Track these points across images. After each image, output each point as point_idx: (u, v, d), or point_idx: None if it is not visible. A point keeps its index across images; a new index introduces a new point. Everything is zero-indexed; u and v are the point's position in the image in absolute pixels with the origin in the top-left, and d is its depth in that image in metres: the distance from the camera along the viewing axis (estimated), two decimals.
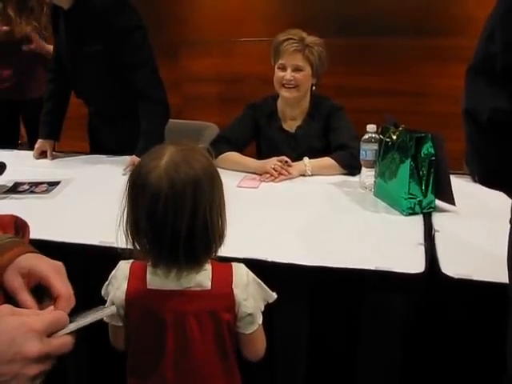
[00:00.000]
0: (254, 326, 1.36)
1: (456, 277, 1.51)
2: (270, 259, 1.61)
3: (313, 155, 2.44)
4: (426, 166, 1.89)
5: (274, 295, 1.39)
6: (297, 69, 2.47)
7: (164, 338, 1.31)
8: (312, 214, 2.00)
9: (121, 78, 2.68)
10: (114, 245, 1.67)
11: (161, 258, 1.28)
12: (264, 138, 2.64)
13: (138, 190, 1.25)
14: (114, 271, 1.38)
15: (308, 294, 1.64)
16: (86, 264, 1.70)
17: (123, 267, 1.37)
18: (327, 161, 2.42)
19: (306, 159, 2.42)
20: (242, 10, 4.30)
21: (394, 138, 1.97)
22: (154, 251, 1.28)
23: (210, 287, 1.30)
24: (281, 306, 1.64)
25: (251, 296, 1.34)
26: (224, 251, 1.60)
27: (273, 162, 2.40)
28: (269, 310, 1.56)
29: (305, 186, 2.32)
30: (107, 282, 1.39)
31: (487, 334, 1.49)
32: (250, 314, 1.34)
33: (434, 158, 1.89)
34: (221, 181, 1.31)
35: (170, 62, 4.54)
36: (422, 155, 1.88)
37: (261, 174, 2.41)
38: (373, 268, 1.56)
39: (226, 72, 4.45)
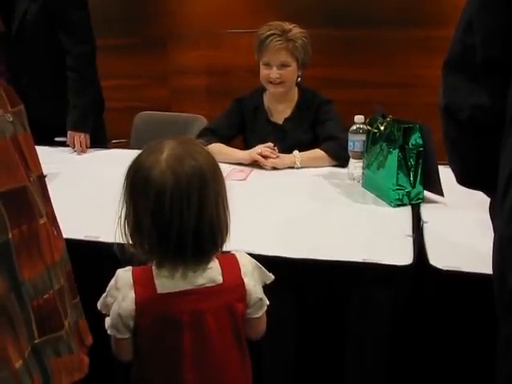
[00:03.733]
0: (264, 309, 1.36)
1: (444, 268, 1.51)
2: (256, 252, 1.60)
3: (301, 147, 2.43)
4: (414, 157, 1.88)
5: (272, 276, 1.38)
6: (282, 65, 2.45)
7: (181, 341, 1.26)
8: (300, 205, 1.99)
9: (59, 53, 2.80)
10: (100, 239, 1.68)
11: (166, 256, 1.23)
12: (251, 131, 2.63)
13: (140, 189, 1.18)
14: (112, 282, 1.28)
15: (295, 286, 1.63)
16: (71, 259, 1.68)
17: (124, 276, 1.27)
18: (317, 152, 2.42)
19: (295, 152, 2.41)
20: (230, 1, 4.28)
21: (382, 128, 1.96)
22: (159, 251, 1.22)
23: (221, 281, 1.27)
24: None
25: (257, 281, 1.33)
26: None
27: (259, 148, 2.41)
28: None
29: (293, 178, 2.30)
30: (105, 294, 1.29)
31: (476, 325, 1.48)
32: (260, 299, 1.33)
33: (422, 149, 1.88)
34: (221, 172, 1.26)
35: (158, 55, 4.51)
36: (410, 146, 1.87)
37: (246, 165, 2.41)
38: (360, 260, 1.55)
39: (215, 64, 4.42)
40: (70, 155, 2.76)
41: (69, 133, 2.81)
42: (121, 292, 1.25)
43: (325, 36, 3.88)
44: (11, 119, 0.91)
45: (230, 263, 1.31)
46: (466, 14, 1.03)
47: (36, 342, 0.90)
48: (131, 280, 1.25)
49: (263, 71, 2.49)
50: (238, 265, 1.31)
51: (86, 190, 2.18)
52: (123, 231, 1.23)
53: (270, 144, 2.41)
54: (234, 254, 1.34)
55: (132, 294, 1.24)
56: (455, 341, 1.54)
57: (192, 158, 1.19)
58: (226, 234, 1.27)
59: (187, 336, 1.26)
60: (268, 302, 1.36)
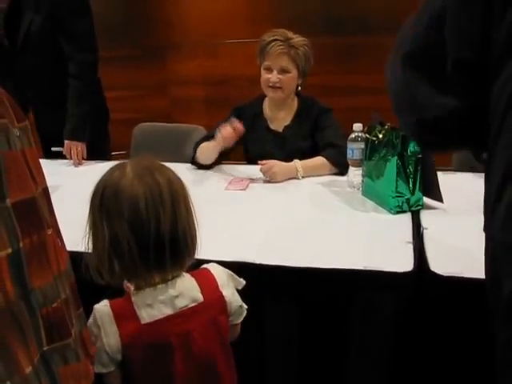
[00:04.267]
0: (244, 314, 1.38)
1: (445, 274, 1.51)
2: (257, 261, 1.60)
3: (300, 155, 2.43)
4: (413, 164, 1.89)
5: (243, 281, 1.39)
6: (283, 70, 2.46)
7: (172, 363, 1.25)
8: (300, 214, 1.99)
9: (65, 64, 2.79)
10: None
11: (146, 266, 1.21)
12: (251, 139, 2.63)
13: (111, 204, 1.18)
14: (90, 319, 1.23)
15: (297, 295, 1.63)
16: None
17: (102, 311, 1.23)
18: (319, 160, 2.41)
19: (296, 161, 2.40)
20: (228, 11, 4.29)
21: (381, 136, 1.97)
22: (139, 263, 1.19)
23: (202, 299, 1.28)
24: (271, 307, 1.64)
25: (233, 289, 1.35)
26: (211, 254, 1.60)
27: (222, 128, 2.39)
28: (259, 312, 1.56)
29: (292, 187, 2.31)
30: None
31: (477, 331, 1.48)
32: (240, 306, 1.36)
33: (420, 156, 1.88)
34: (187, 190, 1.27)
35: (157, 65, 4.53)
36: (409, 153, 1.88)
37: (246, 175, 2.42)
38: (361, 268, 1.56)
39: (213, 74, 4.44)
40: (69, 167, 2.76)
41: (66, 142, 2.80)
42: (102, 328, 1.22)
43: (324, 44, 3.88)
44: (18, 134, 0.92)
45: (206, 278, 1.32)
46: (431, 8, 0.99)
47: (45, 349, 0.91)
48: (111, 314, 1.23)
49: (264, 75, 2.50)
50: (214, 278, 1.32)
51: (86, 203, 2.18)
52: (97, 257, 1.21)
53: (235, 121, 2.37)
54: (207, 269, 1.35)
55: (115, 329, 1.21)
56: (457, 346, 1.54)
57: (157, 169, 1.22)
58: (196, 241, 1.27)
59: (177, 357, 1.26)
60: (246, 307, 1.38)
